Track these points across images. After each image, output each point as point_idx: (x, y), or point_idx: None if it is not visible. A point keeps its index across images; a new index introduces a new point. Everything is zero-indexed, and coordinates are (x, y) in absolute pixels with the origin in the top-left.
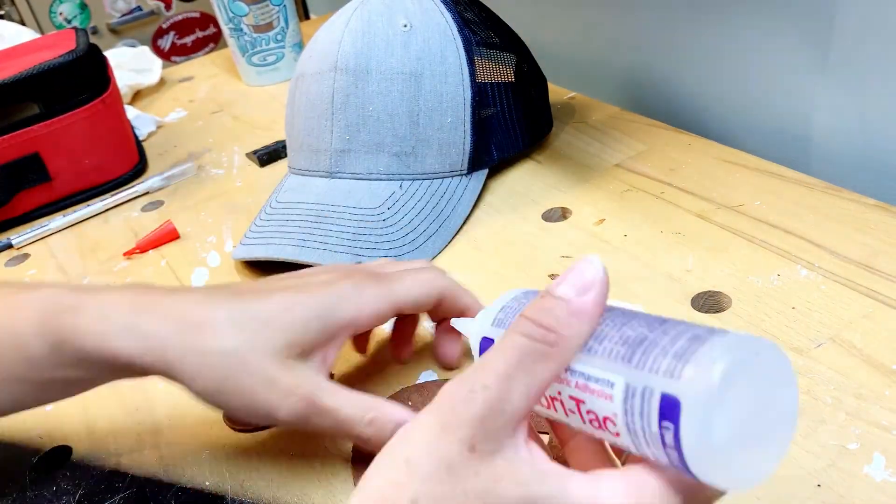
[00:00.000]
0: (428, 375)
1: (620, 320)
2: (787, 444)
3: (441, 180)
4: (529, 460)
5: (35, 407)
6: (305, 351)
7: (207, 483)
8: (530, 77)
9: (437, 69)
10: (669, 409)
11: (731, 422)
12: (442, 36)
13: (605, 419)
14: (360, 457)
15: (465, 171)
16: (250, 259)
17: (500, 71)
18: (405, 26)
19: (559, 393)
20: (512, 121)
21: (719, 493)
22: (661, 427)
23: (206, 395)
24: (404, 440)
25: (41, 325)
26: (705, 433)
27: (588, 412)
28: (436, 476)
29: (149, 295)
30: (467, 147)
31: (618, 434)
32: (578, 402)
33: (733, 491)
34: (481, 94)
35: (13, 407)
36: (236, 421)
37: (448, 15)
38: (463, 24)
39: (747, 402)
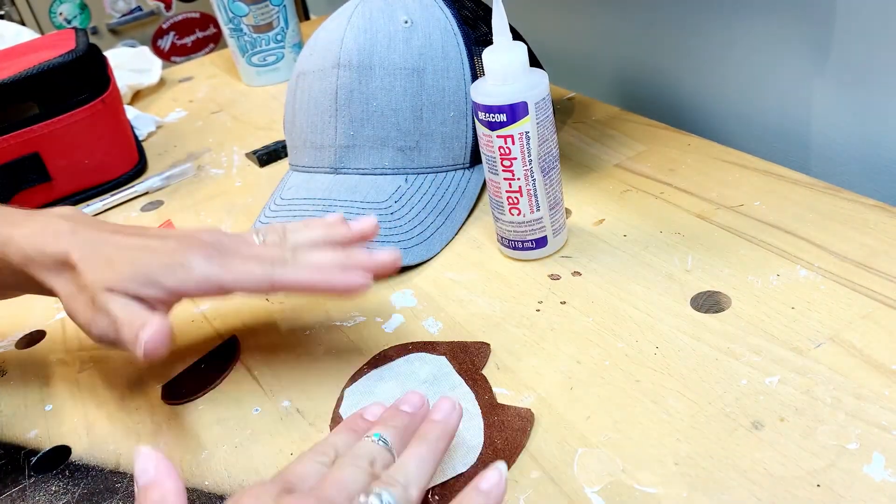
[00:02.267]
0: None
1: None
2: None
3: (445, 174)
4: None
5: None
6: (130, 297)
7: (207, 483)
8: None
9: (439, 64)
10: None
11: None
12: (442, 31)
13: None
14: (170, 395)
15: (468, 165)
16: None
17: None
18: (406, 22)
19: None
20: None
21: None
22: None
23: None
24: None
25: None
26: None
27: None
28: None
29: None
30: (469, 140)
31: None
32: None
33: None
34: None
35: None
36: (171, 395)
37: (447, 11)
38: (462, 21)
39: None
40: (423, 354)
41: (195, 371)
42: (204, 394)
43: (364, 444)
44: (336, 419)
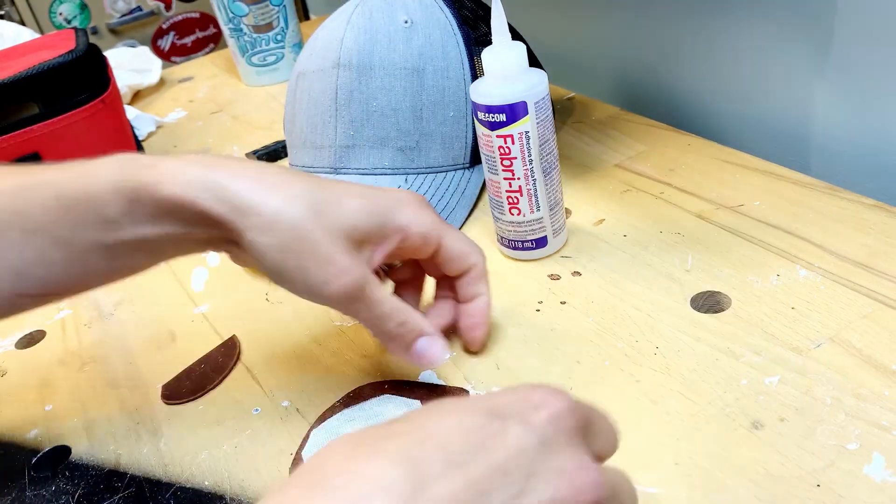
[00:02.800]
0: (428, 377)
1: None
2: None
3: (445, 174)
4: None
5: (100, 285)
6: (362, 241)
7: (207, 483)
8: None
9: (439, 64)
10: None
11: None
12: (442, 31)
13: None
14: (170, 395)
15: (468, 165)
16: None
17: None
18: (406, 22)
19: None
20: None
21: None
22: None
23: (266, 256)
24: None
25: (119, 183)
26: None
27: None
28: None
29: (224, 159)
30: (469, 140)
31: None
32: None
33: None
34: None
35: (81, 280)
36: (171, 395)
37: (447, 11)
38: (462, 21)
39: None
40: (398, 398)
41: (195, 371)
42: (204, 394)
43: None
44: (297, 461)
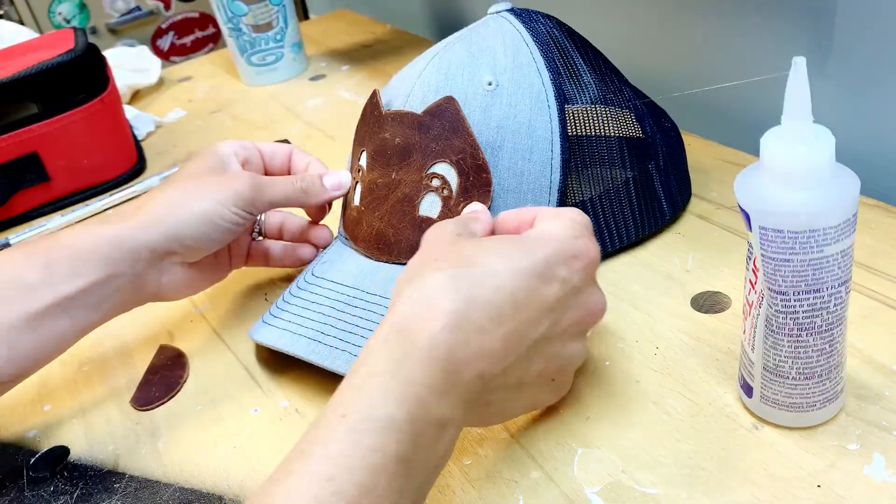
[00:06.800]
0: None
1: None
2: None
3: None
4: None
5: (35, 369)
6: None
7: (206, 483)
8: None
9: (521, 143)
10: None
11: None
12: (533, 101)
13: None
14: (140, 399)
15: None
16: (262, 343)
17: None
18: (490, 84)
19: None
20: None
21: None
22: None
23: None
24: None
25: (29, 255)
26: None
27: None
28: (440, 246)
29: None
30: None
31: None
32: None
33: None
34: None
35: (14, 368)
36: (139, 399)
37: (545, 74)
38: (560, 89)
39: None
40: None
41: (158, 374)
42: (175, 394)
43: None
44: None
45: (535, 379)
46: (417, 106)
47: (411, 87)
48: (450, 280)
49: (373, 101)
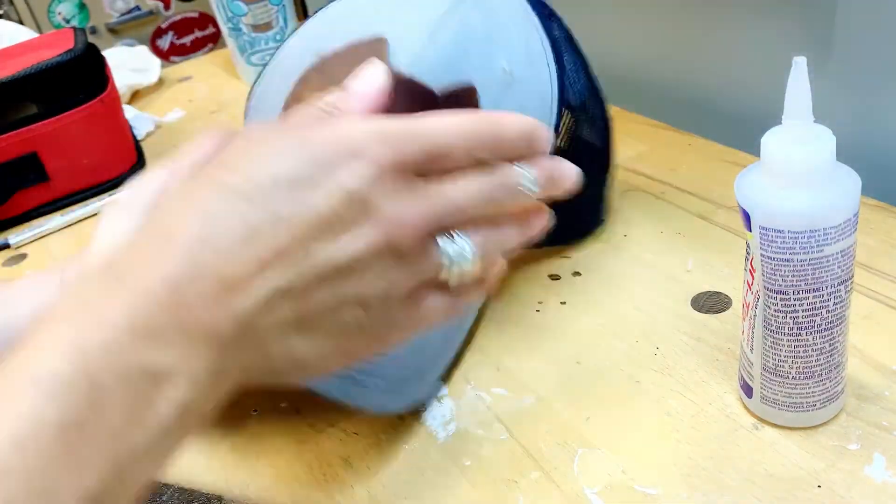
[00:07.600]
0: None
1: None
2: None
3: None
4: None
5: None
6: None
7: (206, 483)
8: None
9: None
10: None
11: None
12: (541, 102)
13: None
14: None
15: None
16: None
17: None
18: (504, 70)
19: None
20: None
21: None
22: None
23: None
24: None
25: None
26: None
27: None
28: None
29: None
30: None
31: None
32: None
33: None
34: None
35: None
36: None
37: (553, 70)
38: (562, 91)
39: None
40: None
41: None
42: None
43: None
44: None
45: (331, 319)
46: (428, 76)
47: (421, 46)
48: (190, 194)
49: (375, 48)
